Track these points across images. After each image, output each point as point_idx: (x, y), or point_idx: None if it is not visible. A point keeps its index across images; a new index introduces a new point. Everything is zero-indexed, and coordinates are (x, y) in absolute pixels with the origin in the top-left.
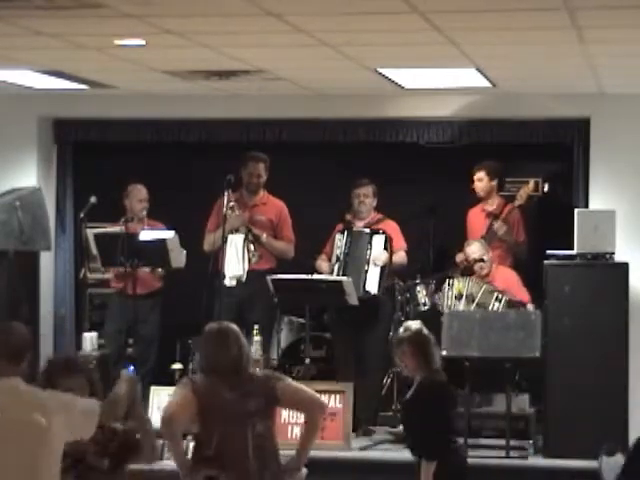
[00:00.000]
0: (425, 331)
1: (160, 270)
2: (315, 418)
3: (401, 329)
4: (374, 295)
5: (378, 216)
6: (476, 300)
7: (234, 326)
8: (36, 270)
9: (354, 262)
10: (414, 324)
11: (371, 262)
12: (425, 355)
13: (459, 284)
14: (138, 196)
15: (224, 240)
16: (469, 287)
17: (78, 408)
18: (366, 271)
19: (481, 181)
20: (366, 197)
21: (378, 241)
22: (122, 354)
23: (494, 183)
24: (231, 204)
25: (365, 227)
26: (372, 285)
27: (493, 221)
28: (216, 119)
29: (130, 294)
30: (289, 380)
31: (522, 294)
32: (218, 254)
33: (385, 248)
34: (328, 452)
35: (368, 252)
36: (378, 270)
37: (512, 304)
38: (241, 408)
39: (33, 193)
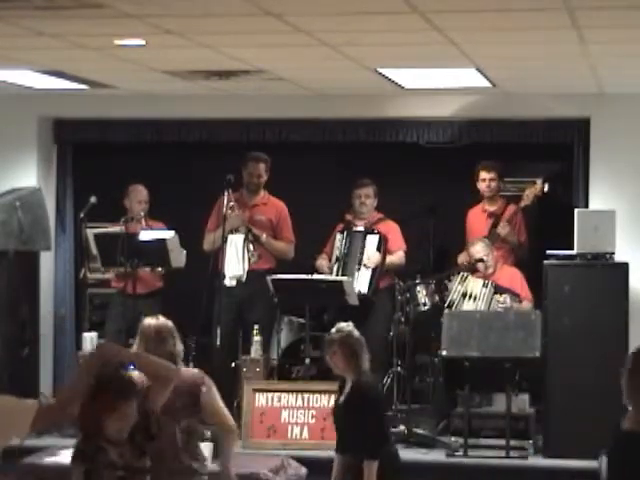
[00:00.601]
0: (356, 333)
1: (160, 269)
2: (225, 442)
3: (333, 330)
4: (365, 295)
5: (378, 216)
6: (473, 295)
7: (169, 322)
8: (36, 270)
9: (351, 262)
10: (346, 326)
11: (362, 263)
12: (355, 357)
13: (471, 283)
14: (138, 197)
15: (224, 240)
16: (471, 286)
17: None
18: (358, 269)
19: (494, 181)
20: (367, 197)
21: (371, 241)
22: None
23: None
24: (231, 204)
25: (365, 227)
26: (362, 285)
27: (496, 221)
28: (216, 119)
29: (130, 294)
30: (213, 391)
31: (525, 293)
32: (218, 254)
33: (379, 248)
34: (328, 452)
35: (361, 251)
36: (369, 270)
37: (499, 290)
38: (171, 402)
39: (33, 193)
